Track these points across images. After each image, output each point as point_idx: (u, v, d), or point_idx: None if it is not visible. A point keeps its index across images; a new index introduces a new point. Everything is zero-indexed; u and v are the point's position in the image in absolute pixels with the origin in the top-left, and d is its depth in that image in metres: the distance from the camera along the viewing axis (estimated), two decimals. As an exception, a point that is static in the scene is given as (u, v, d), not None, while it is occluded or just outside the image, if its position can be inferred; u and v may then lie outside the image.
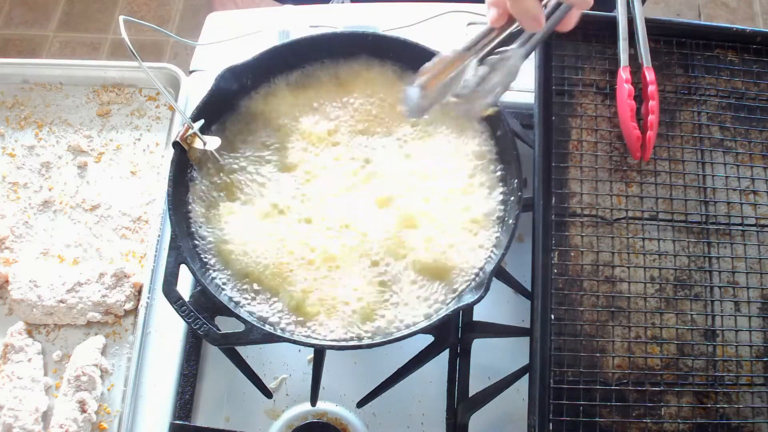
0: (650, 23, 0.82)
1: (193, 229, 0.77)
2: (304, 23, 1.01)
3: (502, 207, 0.77)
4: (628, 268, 0.76)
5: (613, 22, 0.83)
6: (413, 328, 0.70)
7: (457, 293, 0.74)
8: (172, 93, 0.98)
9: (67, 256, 0.90)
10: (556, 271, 0.76)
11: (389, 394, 0.78)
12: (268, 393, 0.78)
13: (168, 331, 0.85)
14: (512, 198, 0.76)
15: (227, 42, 0.98)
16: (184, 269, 0.72)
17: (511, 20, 0.63)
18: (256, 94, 0.83)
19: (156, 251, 0.88)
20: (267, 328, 0.71)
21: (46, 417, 0.81)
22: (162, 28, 0.96)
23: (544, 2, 0.65)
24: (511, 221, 0.74)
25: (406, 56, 0.83)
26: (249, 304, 0.74)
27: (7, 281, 0.86)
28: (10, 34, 2.39)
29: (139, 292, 0.87)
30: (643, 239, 0.77)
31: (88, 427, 0.79)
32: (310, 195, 0.78)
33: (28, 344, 0.84)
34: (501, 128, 0.78)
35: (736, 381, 0.73)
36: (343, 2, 1.19)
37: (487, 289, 0.69)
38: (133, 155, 0.97)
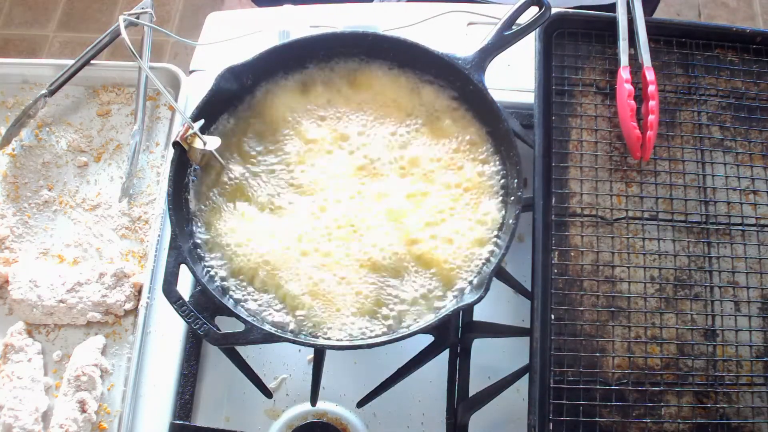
0: (650, 23, 0.82)
1: (193, 229, 0.77)
2: (304, 23, 1.01)
3: (502, 207, 0.77)
4: (628, 268, 0.76)
5: (613, 22, 0.83)
6: (413, 328, 0.70)
7: (457, 293, 0.74)
8: (172, 93, 0.98)
9: (67, 256, 0.90)
10: (556, 271, 0.76)
11: (389, 394, 0.78)
12: (268, 393, 0.78)
13: (168, 331, 0.85)
14: (512, 198, 0.76)
15: (227, 42, 0.98)
16: (184, 269, 0.72)
17: None
18: (256, 94, 0.83)
19: (156, 251, 0.88)
20: (267, 327, 0.71)
21: (46, 417, 0.80)
22: (162, 28, 0.96)
23: None
24: (511, 221, 0.74)
25: (406, 56, 0.82)
26: (249, 303, 0.74)
27: (7, 281, 0.86)
28: (10, 34, 2.39)
29: (139, 292, 0.87)
30: (643, 239, 0.77)
31: (88, 427, 0.79)
32: (310, 196, 0.78)
33: (28, 344, 0.83)
34: (501, 128, 0.78)
35: (736, 381, 0.73)
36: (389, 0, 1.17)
37: (487, 289, 0.69)
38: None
